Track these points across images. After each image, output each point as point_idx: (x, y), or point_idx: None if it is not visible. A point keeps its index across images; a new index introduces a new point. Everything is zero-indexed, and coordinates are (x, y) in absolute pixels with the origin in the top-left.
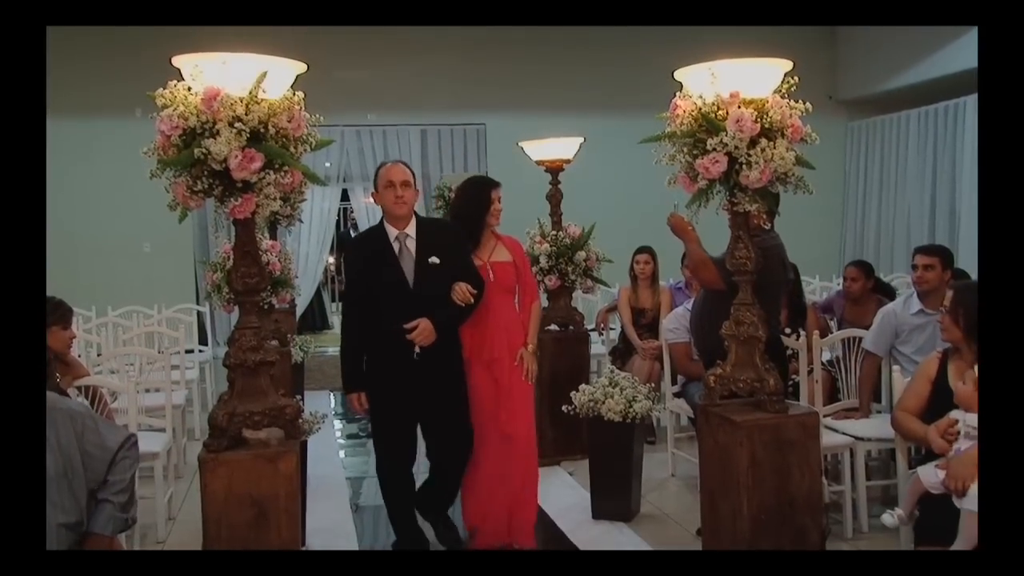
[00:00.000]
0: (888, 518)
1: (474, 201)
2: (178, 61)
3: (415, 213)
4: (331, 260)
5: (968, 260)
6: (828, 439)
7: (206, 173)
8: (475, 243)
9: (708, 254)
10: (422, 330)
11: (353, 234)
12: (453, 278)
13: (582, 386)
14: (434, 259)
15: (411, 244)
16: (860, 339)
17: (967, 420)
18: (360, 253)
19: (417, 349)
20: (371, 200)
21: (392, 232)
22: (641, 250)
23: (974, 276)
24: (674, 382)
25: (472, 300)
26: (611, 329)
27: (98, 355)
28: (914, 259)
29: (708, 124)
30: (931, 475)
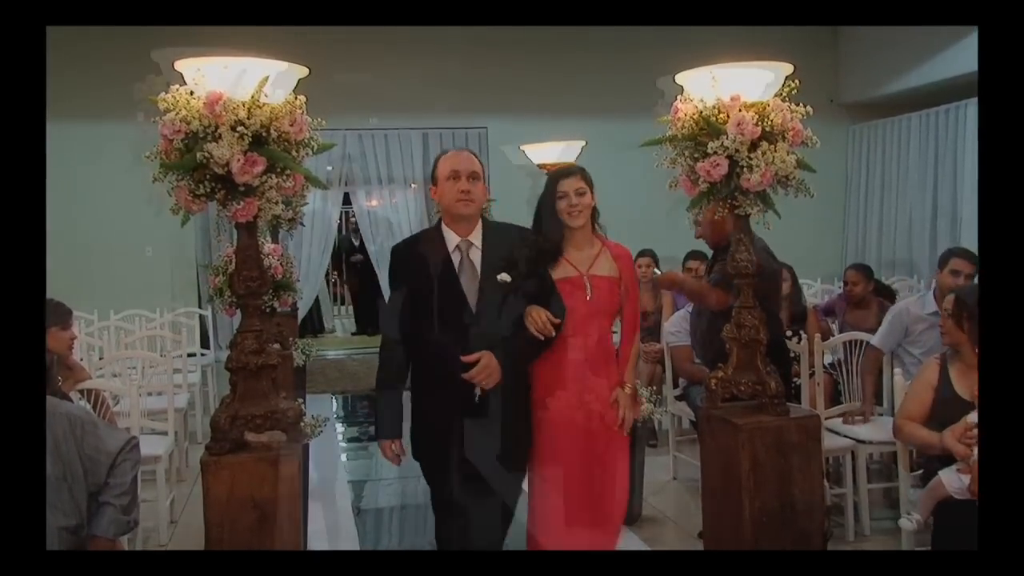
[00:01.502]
0: (906, 523)
1: (542, 196)
2: (180, 65)
3: (482, 216)
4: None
5: None
6: (830, 442)
7: (208, 177)
8: (556, 249)
9: (701, 281)
10: (484, 367)
11: (355, 240)
12: (527, 300)
13: None
14: (504, 276)
15: (476, 255)
16: (862, 342)
17: None
18: (409, 263)
19: (478, 391)
20: (373, 204)
21: (453, 239)
22: (642, 253)
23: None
24: (675, 385)
25: (553, 332)
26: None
27: (100, 359)
28: (953, 264)
29: (709, 127)
30: (954, 480)
